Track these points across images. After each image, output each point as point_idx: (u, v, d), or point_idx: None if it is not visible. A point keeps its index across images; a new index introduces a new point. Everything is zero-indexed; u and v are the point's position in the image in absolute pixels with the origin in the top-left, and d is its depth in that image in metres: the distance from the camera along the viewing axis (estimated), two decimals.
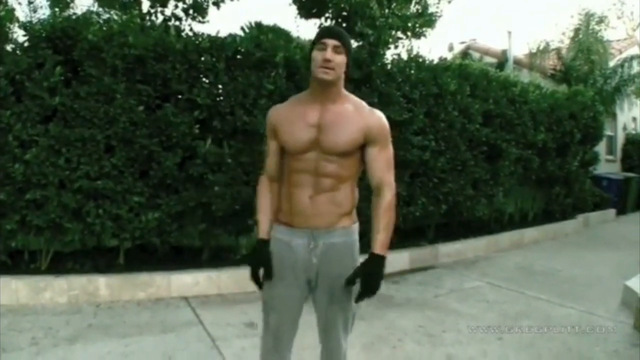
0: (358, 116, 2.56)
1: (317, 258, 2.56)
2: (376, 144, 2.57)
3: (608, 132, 16.36)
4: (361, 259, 2.61)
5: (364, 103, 2.65)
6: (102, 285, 5.59)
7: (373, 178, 2.60)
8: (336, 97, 2.56)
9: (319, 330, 2.69)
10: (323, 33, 2.52)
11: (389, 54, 7.65)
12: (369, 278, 2.49)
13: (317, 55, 2.45)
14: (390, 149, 2.64)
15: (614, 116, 17.37)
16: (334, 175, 2.52)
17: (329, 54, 2.42)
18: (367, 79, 6.96)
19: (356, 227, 2.73)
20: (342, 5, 7.49)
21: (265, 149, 2.73)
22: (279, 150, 2.63)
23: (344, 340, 2.68)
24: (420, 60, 7.74)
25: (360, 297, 2.48)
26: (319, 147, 2.50)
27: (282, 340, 2.67)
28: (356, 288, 2.52)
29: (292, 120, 2.55)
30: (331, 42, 2.43)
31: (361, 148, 2.56)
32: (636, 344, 4.69)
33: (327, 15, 8.10)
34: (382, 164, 2.60)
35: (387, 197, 2.62)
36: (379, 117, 2.61)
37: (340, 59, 2.46)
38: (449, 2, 10.34)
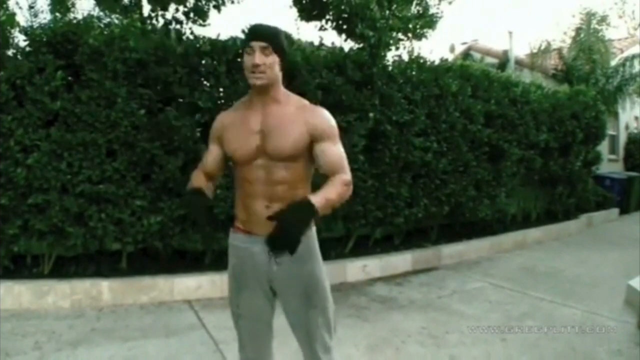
0: (301, 116, 2.44)
1: (278, 265, 2.47)
2: (324, 140, 2.45)
3: (610, 132, 16.35)
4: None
5: (306, 102, 2.54)
6: (105, 289, 5.60)
7: (326, 171, 2.47)
8: (276, 99, 2.46)
9: (301, 340, 2.58)
10: (249, 35, 2.39)
11: (390, 56, 7.66)
12: (287, 218, 2.22)
13: (246, 60, 2.35)
14: (340, 146, 2.51)
15: (616, 115, 17.34)
16: (286, 181, 2.43)
17: (257, 57, 2.31)
18: (368, 80, 6.96)
19: (314, 230, 2.58)
20: (343, 8, 7.48)
21: (205, 152, 2.70)
22: (220, 157, 2.60)
23: (330, 343, 2.59)
24: (422, 61, 7.75)
25: (270, 242, 2.22)
26: (265, 154, 2.41)
27: (260, 348, 2.63)
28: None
29: (236, 127, 2.48)
30: (258, 45, 2.32)
31: (309, 149, 2.45)
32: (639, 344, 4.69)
33: (327, 17, 8.10)
34: (333, 157, 2.47)
35: (341, 177, 2.44)
36: (322, 113, 2.50)
37: (271, 60, 2.35)
38: (450, 3, 10.32)
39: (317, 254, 2.58)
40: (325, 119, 2.49)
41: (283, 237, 2.20)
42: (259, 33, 2.36)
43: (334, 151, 2.47)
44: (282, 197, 2.40)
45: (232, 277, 2.60)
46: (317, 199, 2.28)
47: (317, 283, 2.54)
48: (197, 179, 2.63)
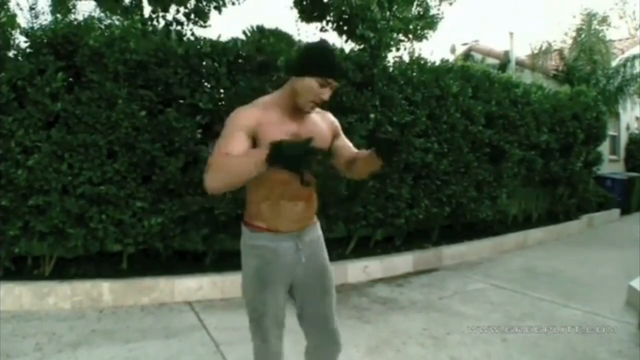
0: (323, 121, 2.70)
1: (305, 255, 2.64)
2: (339, 135, 2.78)
3: (611, 132, 16.37)
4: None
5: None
6: (106, 290, 5.60)
7: (350, 153, 2.76)
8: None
9: (313, 326, 2.76)
10: (330, 69, 2.44)
11: (391, 57, 7.66)
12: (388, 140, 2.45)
13: (315, 89, 2.40)
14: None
15: (617, 116, 17.33)
16: (311, 181, 2.55)
17: (328, 94, 2.44)
18: (368, 82, 6.96)
19: (318, 222, 2.84)
20: (343, 9, 7.48)
21: (222, 143, 2.37)
22: (247, 148, 2.39)
23: (337, 324, 2.80)
24: (422, 62, 7.75)
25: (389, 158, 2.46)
26: None
27: (280, 343, 2.71)
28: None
29: (274, 126, 2.43)
30: (335, 84, 2.46)
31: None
32: None
33: (328, 18, 8.10)
34: (349, 145, 2.80)
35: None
36: (330, 114, 2.81)
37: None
38: (451, 4, 10.35)
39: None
40: (334, 118, 2.81)
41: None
42: (340, 72, 2.64)
43: (347, 142, 2.82)
44: (306, 197, 2.62)
45: (256, 277, 2.62)
46: None
47: (330, 268, 2.80)
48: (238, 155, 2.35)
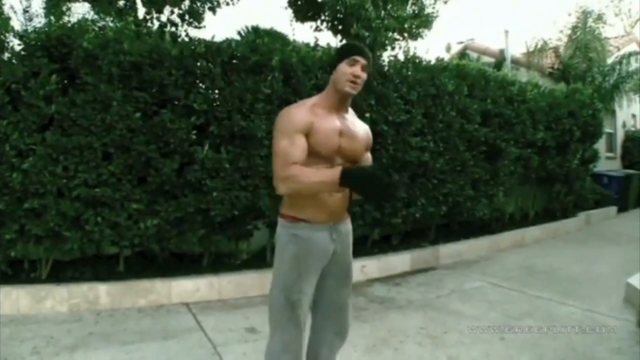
0: (362, 126, 2.95)
1: (339, 246, 2.83)
2: (369, 149, 3.03)
3: (607, 130, 16.39)
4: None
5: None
6: (103, 293, 5.58)
7: None
8: (347, 108, 2.85)
9: (329, 315, 2.94)
10: (355, 50, 2.74)
11: (386, 56, 7.65)
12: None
13: (347, 69, 2.67)
14: None
15: (613, 113, 17.37)
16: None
17: (359, 71, 2.68)
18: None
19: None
20: (338, 8, 7.48)
21: (282, 148, 2.60)
22: (306, 148, 2.64)
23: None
24: (418, 61, 7.75)
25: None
26: (342, 154, 2.74)
27: (303, 332, 2.83)
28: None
29: (322, 125, 2.67)
30: (363, 61, 2.69)
31: None
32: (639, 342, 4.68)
33: (322, 18, 8.10)
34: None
35: None
36: (368, 128, 3.04)
37: (364, 77, 2.73)
38: (445, 2, 10.33)
39: None
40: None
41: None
42: (365, 52, 2.75)
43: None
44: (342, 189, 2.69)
45: (295, 264, 2.73)
46: None
47: (352, 265, 3.02)
48: (315, 170, 2.62)
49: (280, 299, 2.74)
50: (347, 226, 2.94)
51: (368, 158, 3.01)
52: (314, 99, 2.81)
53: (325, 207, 2.72)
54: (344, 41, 7.99)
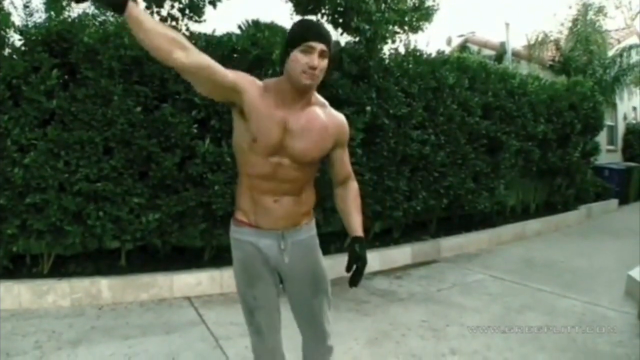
0: (327, 121, 2.45)
1: (289, 257, 2.53)
2: (342, 146, 2.58)
3: (608, 122, 16.38)
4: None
5: (326, 102, 2.52)
6: (105, 287, 5.59)
7: (339, 176, 2.65)
8: (308, 101, 2.42)
9: (302, 323, 2.69)
10: (310, 34, 2.26)
11: (387, 49, 7.63)
12: (359, 260, 2.47)
13: (301, 58, 2.23)
14: (347, 147, 2.66)
15: (614, 106, 17.32)
16: (297, 180, 2.45)
17: (315, 60, 2.23)
18: (364, 74, 6.95)
19: (314, 221, 2.69)
20: (338, 1, 7.44)
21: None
22: (218, 82, 2.25)
23: (329, 325, 2.70)
24: (418, 54, 7.75)
25: (355, 282, 2.46)
26: (284, 153, 2.36)
27: (277, 336, 2.66)
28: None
29: (263, 113, 2.31)
30: (319, 46, 2.24)
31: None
32: None
33: (323, 11, 8.06)
34: (346, 162, 2.65)
35: (354, 184, 2.69)
36: (343, 119, 2.56)
37: (324, 65, 2.29)
38: None
39: (317, 244, 2.69)
40: (346, 125, 2.58)
41: (363, 272, 2.49)
42: (321, 34, 2.28)
43: (346, 156, 2.64)
44: (291, 193, 2.46)
45: (243, 271, 2.57)
46: (360, 230, 2.62)
47: (322, 270, 2.65)
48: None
49: (241, 304, 2.62)
50: (302, 235, 2.56)
51: (338, 160, 2.59)
52: (274, 82, 2.41)
53: (270, 212, 2.44)
54: (344, 34, 7.98)
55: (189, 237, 6.14)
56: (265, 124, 2.30)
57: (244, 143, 2.38)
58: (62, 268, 5.89)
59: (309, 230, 2.62)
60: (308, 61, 2.22)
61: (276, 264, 2.55)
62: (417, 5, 9.56)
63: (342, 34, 7.96)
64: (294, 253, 2.54)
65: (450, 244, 8.15)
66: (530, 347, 4.43)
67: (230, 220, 2.62)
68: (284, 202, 2.44)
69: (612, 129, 18.54)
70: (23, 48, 5.54)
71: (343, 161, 2.61)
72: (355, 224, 2.60)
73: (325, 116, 2.46)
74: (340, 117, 2.55)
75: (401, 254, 7.45)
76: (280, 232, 2.49)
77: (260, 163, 2.37)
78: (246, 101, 2.29)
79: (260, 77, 4.96)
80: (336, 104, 2.58)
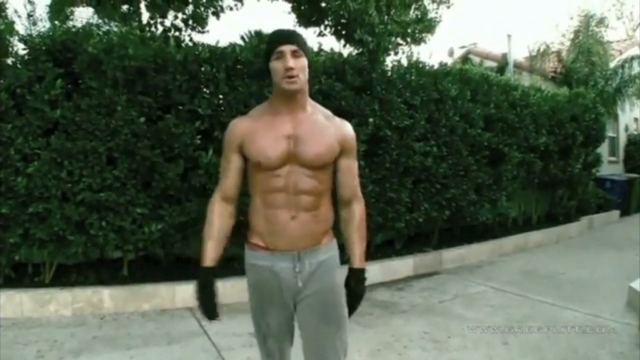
0: (332, 126, 2.41)
1: (303, 281, 2.37)
2: (349, 156, 2.46)
3: (610, 134, 16.38)
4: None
5: (330, 113, 2.51)
6: (107, 297, 5.60)
7: (345, 190, 2.50)
8: (303, 107, 2.38)
9: (307, 353, 2.48)
10: (276, 39, 2.30)
11: (389, 61, 7.66)
12: (356, 294, 2.52)
13: (276, 65, 2.26)
14: (356, 161, 2.54)
15: (615, 117, 17.32)
16: (313, 191, 2.34)
17: (289, 61, 2.22)
18: (367, 86, 6.96)
19: (335, 240, 2.56)
20: (341, 13, 7.49)
21: (222, 167, 2.47)
22: (241, 167, 2.40)
23: None
24: (421, 65, 7.76)
25: (350, 313, 2.49)
26: (295, 161, 2.30)
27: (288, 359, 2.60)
28: (345, 308, 2.52)
29: (262, 132, 2.32)
30: (288, 48, 2.24)
31: (334, 160, 2.42)
32: None
33: (326, 23, 8.12)
34: (353, 175, 2.51)
35: (360, 208, 2.58)
36: (350, 127, 2.50)
37: (302, 63, 2.27)
38: (448, 7, 10.36)
39: (338, 265, 2.54)
40: (353, 133, 2.50)
41: (359, 305, 2.54)
42: (285, 36, 2.30)
43: (353, 169, 2.51)
44: (308, 208, 2.34)
45: (257, 297, 2.50)
46: (362, 260, 2.58)
47: (335, 300, 2.47)
48: (215, 229, 2.47)
49: (254, 327, 2.56)
50: (321, 256, 2.41)
51: (345, 168, 2.47)
52: (263, 105, 2.47)
53: (287, 230, 2.32)
54: (347, 46, 8.00)
55: (192, 247, 6.13)
56: (267, 141, 2.30)
57: (251, 167, 2.38)
58: (64, 277, 5.90)
59: (329, 251, 2.47)
60: (283, 65, 2.24)
61: (291, 289, 2.38)
62: (419, 17, 9.62)
63: (345, 45, 8.01)
64: (311, 276, 2.38)
65: (452, 255, 8.15)
66: (532, 359, 4.43)
67: (244, 245, 2.53)
68: (301, 219, 2.32)
69: (614, 141, 18.55)
70: (27, 57, 5.58)
71: (350, 172, 2.49)
72: (356, 255, 2.54)
73: (328, 121, 2.43)
74: (345, 123, 2.50)
75: (403, 265, 7.45)
76: (296, 253, 2.35)
77: (272, 176, 2.31)
78: (245, 140, 2.35)
79: (262, 88, 4.90)
80: (339, 115, 2.54)
